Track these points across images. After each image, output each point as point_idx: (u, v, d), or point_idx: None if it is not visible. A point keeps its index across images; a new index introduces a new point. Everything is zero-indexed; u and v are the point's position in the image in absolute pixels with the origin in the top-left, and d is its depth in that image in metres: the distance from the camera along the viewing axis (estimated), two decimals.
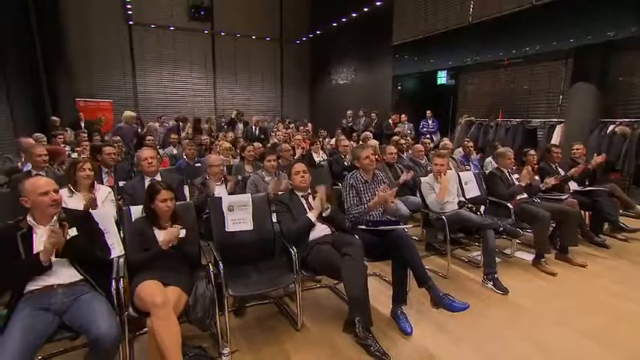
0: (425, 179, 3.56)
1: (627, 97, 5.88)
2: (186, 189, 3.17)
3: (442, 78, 8.63)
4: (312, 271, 2.55)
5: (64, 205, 2.03)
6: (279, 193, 3.07)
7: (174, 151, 5.65)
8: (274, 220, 2.79)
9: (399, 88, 9.57)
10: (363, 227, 2.73)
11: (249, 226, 2.74)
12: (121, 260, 2.21)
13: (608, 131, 5.53)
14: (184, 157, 4.68)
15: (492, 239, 3.14)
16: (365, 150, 2.99)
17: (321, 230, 2.64)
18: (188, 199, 3.00)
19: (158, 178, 3.08)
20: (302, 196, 2.75)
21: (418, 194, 3.72)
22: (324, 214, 2.65)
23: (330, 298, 2.96)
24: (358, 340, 2.25)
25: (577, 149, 4.49)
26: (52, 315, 1.79)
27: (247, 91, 13.74)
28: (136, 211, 2.43)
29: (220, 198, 2.77)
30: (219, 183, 3.29)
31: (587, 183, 4.36)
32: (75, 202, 2.60)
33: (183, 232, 2.23)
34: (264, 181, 3.52)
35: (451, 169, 3.95)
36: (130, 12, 10.99)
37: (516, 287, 3.07)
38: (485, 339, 2.40)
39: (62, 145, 5.46)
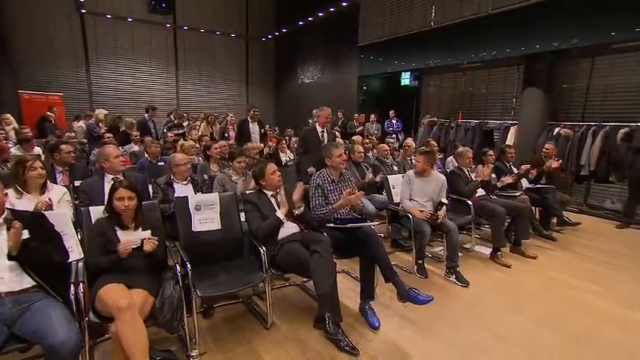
0: (406, 175, 3.62)
1: (570, 103, 6.40)
2: (150, 189, 3.05)
3: (406, 79, 8.89)
4: (282, 270, 2.56)
5: (9, 207, 1.89)
6: (247, 192, 3.04)
7: (135, 149, 5.40)
8: (242, 219, 2.76)
9: (365, 88, 9.77)
10: (331, 225, 2.77)
11: (216, 225, 2.69)
12: (80, 264, 2.09)
13: (554, 133, 5.99)
14: (146, 155, 4.50)
15: (456, 235, 3.32)
16: (338, 148, 3.01)
17: (290, 229, 2.65)
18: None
19: (121, 177, 2.94)
20: (271, 195, 2.75)
21: (385, 192, 3.83)
22: (296, 213, 2.66)
23: (300, 296, 2.98)
24: (328, 335, 2.29)
25: (547, 149, 4.80)
26: (0, 326, 1.67)
27: (212, 88, 13.41)
28: (96, 211, 2.32)
29: (186, 197, 2.71)
30: (185, 182, 3.20)
31: (543, 182, 4.66)
32: (24, 204, 2.41)
33: (146, 234, 2.15)
34: (232, 180, 3.47)
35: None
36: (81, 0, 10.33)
37: (476, 279, 3.26)
38: (448, 329, 2.54)
39: (5, 142, 5.03)
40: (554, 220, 4.65)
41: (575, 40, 5.57)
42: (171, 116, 7.82)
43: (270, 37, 13.91)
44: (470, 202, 3.79)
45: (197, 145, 5.25)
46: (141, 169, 4.14)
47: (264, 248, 2.46)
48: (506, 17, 6.21)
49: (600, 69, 6.08)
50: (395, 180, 3.82)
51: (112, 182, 2.29)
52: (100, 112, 7.56)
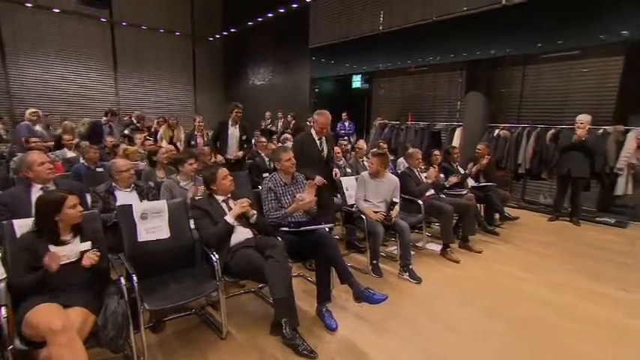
0: (360, 176, 3.71)
1: (507, 106, 7.02)
2: (88, 197, 2.85)
3: (357, 82, 9.18)
4: (236, 277, 2.52)
5: None
6: (197, 197, 2.96)
7: (69, 154, 5.00)
8: (193, 226, 2.68)
9: (317, 90, 9.91)
10: (286, 229, 2.78)
11: (165, 234, 2.59)
12: (2, 285, 1.89)
13: (494, 135, 6.51)
14: (82, 161, 4.19)
15: (408, 234, 3.48)
16: (287, 152, 3.04)
17: (243, 234, 2.63)
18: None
19: (52, 186, 2.71)
20: (222, 201, 2.71)
21: (339, 194, 3.91)
22: (251, 221, 2.65)
23: (256, 303, 2.95)
24: (286, 340, 2.30)
25: (479, 149, 5.20)
26: None
27: (156, 89, 12.79)
28: (22, 225, 2.11)
29: (131, 206, 2.57)
30: (128, 190, 3.03)
31: (482, 179, 5.08)
32: None
33: (85, 246, 2.02)
34: (180, 186, 3.34)
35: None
36: None
37: (428, 275, 3.45)
38: (403, 325, 2.66)
39: None
40: (497, 216, 5.05)
41: (508, 49, 6.15)
42: (133, 118, 7.34)
43: (217, 36, 13.59)
44: (421, 202, 4.00)
45: (141, 151, 5.00)
46: (77, 177, 3.85)
47: (216, 255, 2.41)
48: (449, 25, 6.64)
49: (530, 76, 6.75)
50: (348, 182, 3.92)
51: (50, 192, 2.11)
52: (31, 112, 6.77)
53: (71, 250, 2.00)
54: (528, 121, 6.47)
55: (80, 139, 5.47)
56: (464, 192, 4.55)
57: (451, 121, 7.50)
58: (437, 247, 4.14)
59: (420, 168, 4.38)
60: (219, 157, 4.87)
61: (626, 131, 5.22)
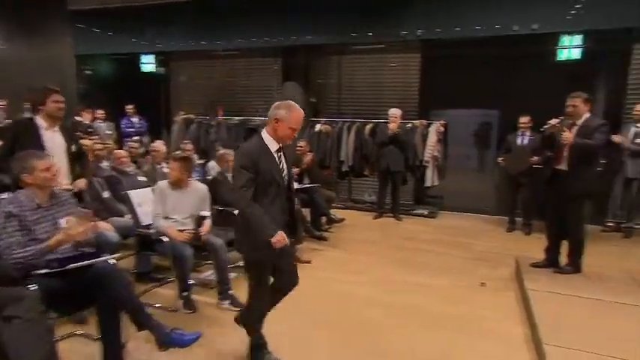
0: (157, 187, 3.53)
1: (326, 98, 7.96)
2: None
3: (149, 64, 8.60)
4: None
5: None
6: None
7: None
8: None
9: (89, 72, 8.83)
10: (44, 272, 2.34)
11: None
12: None
13: (316, 130, 7.25)
14: None
15: (224, 253, 3.47)
16: (43, 159, 2.56)
17: None
18: None
19: None
20: None
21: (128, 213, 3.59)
22: None
23: None
24: None
25: (300, 146, 5.62)
26: None
27: None
28: None
29: None
30: None
31: (306, 180, 5.55)
32: None
33: None
34: None
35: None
36: None
37: None
38: None
39: None
40: (324, 220, 5.63)
41: (324, 37, 6.95)
42: None
43: None
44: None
45: None
46: None
47: None
48: (264, 2, 6.99)
49: (348, 67, 7.86)
50: (141, 195, 3.70)
51: None
52: None
53: None
54: (348, 115, 7.50)
55: None
56: None
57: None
58: None
59: None
60: None
61: (429, 125, 6.69)
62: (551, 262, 4.04)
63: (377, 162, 6.57)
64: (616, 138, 5.34)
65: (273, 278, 2.67)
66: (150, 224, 3.53)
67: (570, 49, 6.23)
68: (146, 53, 8.45)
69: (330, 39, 6.98)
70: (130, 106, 8.16)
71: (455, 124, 7.43)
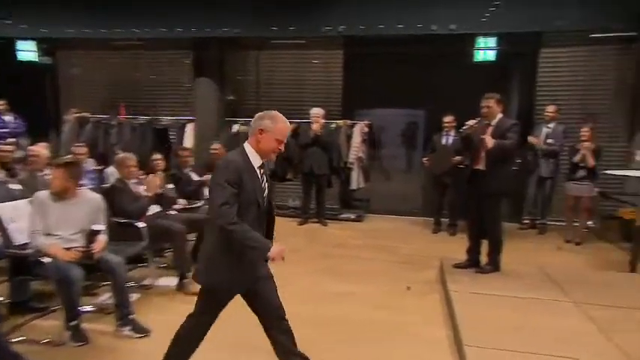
0: (35, 198, 3.20)
1: (246, 96, 7.82)
2: None
3: (29, 52, 7.71)
4: None
5: None
6: None
7: None
8: None
9: None
10: None
11: None
12: None
13: (234, 131, 7.07)
14: None
15: (123, 272, 3.24)
16: None
17: None
18: None
19: None
20: None
21: None
22: None
23: None
24: None
25: (215, 149, 5.43)
26: None
27: None
28: None
29: None
30: None
31: None
32: None
33: None
34: None
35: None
36: None
37: (160, 322, 3.26)
38: None
39: None
40: None
41: (241, 29, 6.79)
42: None
43: None
44: (140, 225, 3.83)
45: None
46: None
47: None
48: None
49: (266, 63, 7.79)
50: (15, 209, 3.35)
51: None
52: None
53: None
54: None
55: None
56: (199, 204, 4.68)
57: (181, 115, 7.63)
58: (173, 282, 4.07)
59: (138, 178, 4.24)
60: None
61: (353, 125, 6.79)
62: (472, 262, 4.28)
63: (300, 164, 6.54)
64: (531, 139, 5.86)
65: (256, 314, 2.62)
66: (26, 243, 3.20)
67: (486, 50, 6.65)
68: (25, 38, 7.61)
69: (247, 32, 6.87)
70: (1, 102, 7.26)
71: (380, 124, 7.66)
